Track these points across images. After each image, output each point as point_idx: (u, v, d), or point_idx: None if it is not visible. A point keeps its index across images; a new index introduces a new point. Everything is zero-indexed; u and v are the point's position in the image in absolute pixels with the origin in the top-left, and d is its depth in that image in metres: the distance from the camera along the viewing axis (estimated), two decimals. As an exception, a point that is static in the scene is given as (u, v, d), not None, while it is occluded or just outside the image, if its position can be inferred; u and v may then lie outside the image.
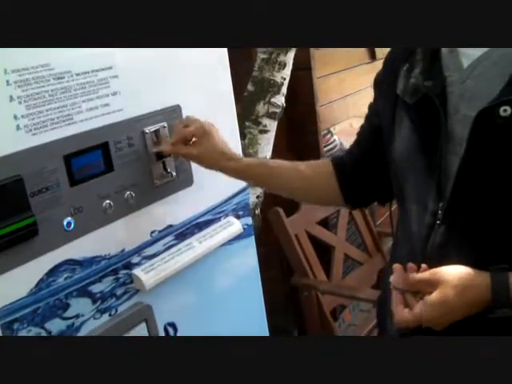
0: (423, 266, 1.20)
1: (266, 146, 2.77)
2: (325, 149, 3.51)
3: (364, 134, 1.55)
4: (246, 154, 2.66)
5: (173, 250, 1.65)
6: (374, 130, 1.47)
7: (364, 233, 3.33)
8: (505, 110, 1.12)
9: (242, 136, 2.70)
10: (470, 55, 1.21)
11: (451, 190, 1.21)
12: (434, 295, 1.15)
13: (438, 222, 1.24)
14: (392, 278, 1.22)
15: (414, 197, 1.33)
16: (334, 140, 3.64)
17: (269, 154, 2.79)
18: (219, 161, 1.54)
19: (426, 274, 1.18)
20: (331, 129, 3.60)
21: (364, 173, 1.52)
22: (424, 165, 1.28)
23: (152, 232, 1.60)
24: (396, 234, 1.51)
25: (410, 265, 1.21)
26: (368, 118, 1.53)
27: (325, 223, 3.20)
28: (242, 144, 2.63)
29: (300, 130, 3.37)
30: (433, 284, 1.16)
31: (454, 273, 1.16)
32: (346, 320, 3.59)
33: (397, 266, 1.22)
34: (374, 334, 2.84)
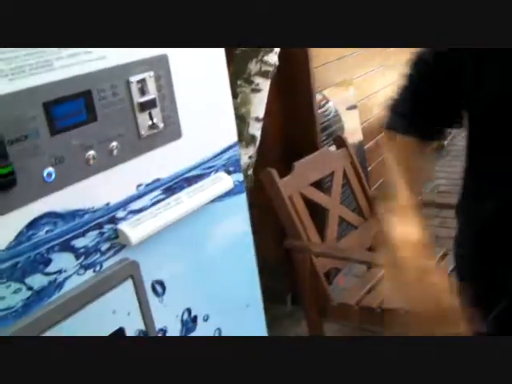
0: None
1: (258, 105, 2.72)
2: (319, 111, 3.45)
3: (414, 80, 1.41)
4: (238, 113, 2.61)
5: (160, 204, 1.59)
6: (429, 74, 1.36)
7: (359, 196, 3.27)
8: None
9: (234, 95, 2.64)
10: None
11: None
12: None
13: None
14: None
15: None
16: (328, 102, 3.58)
17: (261, 113, 2.73)
18: None
19: None
20: (324, 92, 3.53)
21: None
22: None
23: (138, 185, 1.54)
24: (469, 186, 1.41)
25: None
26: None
27: (319, 185, 3.14)
28: (234, 103, 2.58)
29: (293, 91, 3.30)
30: None
31: None
32: (339, 284, 3.55)
33: None
34: (366, 300, 2.78)
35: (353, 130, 3.87)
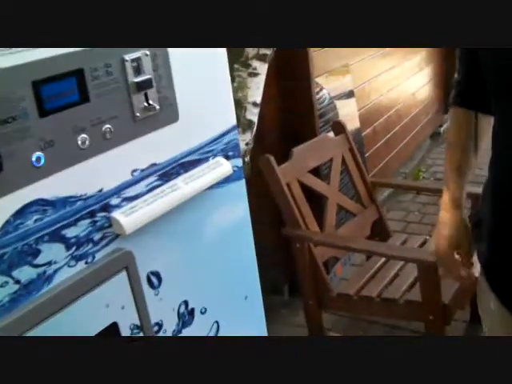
0: None
1: (256, 89, 2.65)
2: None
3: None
4: (234, 98, 2.53)
5: (156, 191, 1.51)
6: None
7: (357, 183, 3.20)
8: None
9: (231, 79, 2.56)
10: None
11: None
12: None
13: None
14: None
15: None
16: (322, 90, 3.50)
17: (259, 98, 2.66)
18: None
19: None
20: (317, 79, 3.44)
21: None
22: None
23: (133, 171, 1.46)
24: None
25: None
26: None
27: (317, 173, 3.07)
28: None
29: (291, 75, 3.21)
30: None
31: None
32: (337, 274, 3.49)
33: None
34: (365, 290, 2.72)
35: (350, 117, 3.80)
